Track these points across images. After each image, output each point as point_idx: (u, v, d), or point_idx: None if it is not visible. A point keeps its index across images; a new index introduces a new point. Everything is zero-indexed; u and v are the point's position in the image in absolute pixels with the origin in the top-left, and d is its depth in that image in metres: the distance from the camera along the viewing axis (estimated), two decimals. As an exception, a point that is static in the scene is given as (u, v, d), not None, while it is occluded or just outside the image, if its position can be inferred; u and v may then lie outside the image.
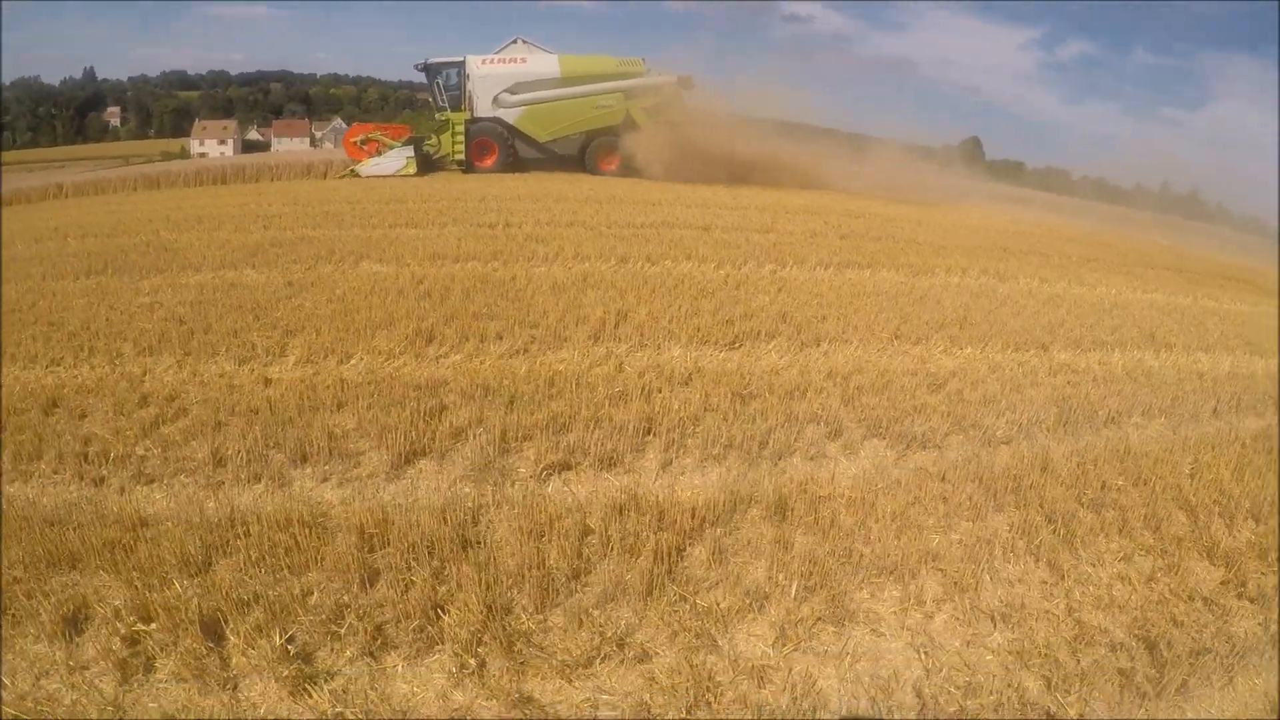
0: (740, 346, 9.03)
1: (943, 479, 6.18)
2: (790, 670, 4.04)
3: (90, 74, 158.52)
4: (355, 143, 30.79)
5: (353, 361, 8.22)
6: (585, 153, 31.89)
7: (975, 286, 13.95)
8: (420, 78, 32.00)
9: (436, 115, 32.31)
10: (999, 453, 6.89)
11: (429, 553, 4.81)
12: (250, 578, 4.59)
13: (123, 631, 4.16)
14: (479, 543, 4.95)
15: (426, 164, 30.62)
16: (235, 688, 3.89)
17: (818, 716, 3.81)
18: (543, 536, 4.96)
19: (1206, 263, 28.32)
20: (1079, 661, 4.37)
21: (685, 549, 4.97)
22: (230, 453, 6.14)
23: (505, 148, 30.82)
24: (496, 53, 31.83)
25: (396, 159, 29.36)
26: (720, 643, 4.20)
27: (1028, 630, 4.59)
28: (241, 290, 10.94)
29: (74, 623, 4.26)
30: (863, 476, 6.22)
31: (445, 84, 31.08)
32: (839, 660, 4.16)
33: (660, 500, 5.46)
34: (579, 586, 4.59)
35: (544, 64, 31.21)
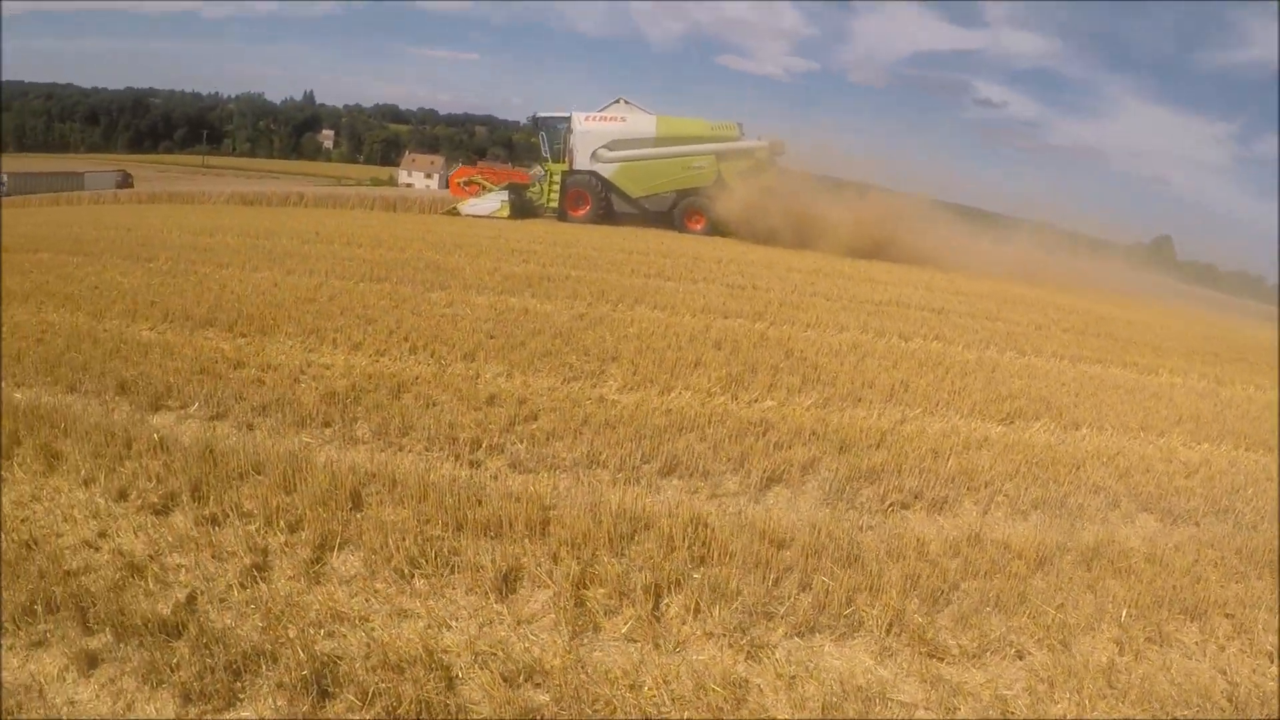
0: (1012, 423, 10.25)
1: (1211, 547, 7.42)
2: (1130, 673, 5.42)
3: (310, 97, 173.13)
4: (459, 183, 34.36)
5: (674, 394, 9.49)
6: (674, 210, 33.49)
7: (1199, 388, 14.84)
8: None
9: (541, 165, 34.73)
10: (1252, 534, 8.02)
11: (821, 557, 6.04)
12: (667, 561, 5.46)
13: (566, 593, 4.94)
14: (859, 557, 6.26)
15: (524, 209, 33.15)
16: (684, 651, 4.66)
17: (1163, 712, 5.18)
18: (915, 557, 6.39)
19: None
20: (1352, 697, 5.63)
21: (1026, 577, 6.38)
22: (603, 457, 7.32)
23: (599, 200, 32.99)
24: (600, 111, 33.88)
25: (492, 201, 32.40)
26: (1072, 649, 5.60)
27: (1301, 671, 5.87)
28: (535, 317, 12.57)
29: (508, 580, 5.10)
30: (1146, 538, 7.52)
31: (550, 136, 33.55)
32: (1165, 670, 5.52)
33: (998, 539, 6.87)
34: (955, 598, 5.96)
35: (642, 124, 33.21)
